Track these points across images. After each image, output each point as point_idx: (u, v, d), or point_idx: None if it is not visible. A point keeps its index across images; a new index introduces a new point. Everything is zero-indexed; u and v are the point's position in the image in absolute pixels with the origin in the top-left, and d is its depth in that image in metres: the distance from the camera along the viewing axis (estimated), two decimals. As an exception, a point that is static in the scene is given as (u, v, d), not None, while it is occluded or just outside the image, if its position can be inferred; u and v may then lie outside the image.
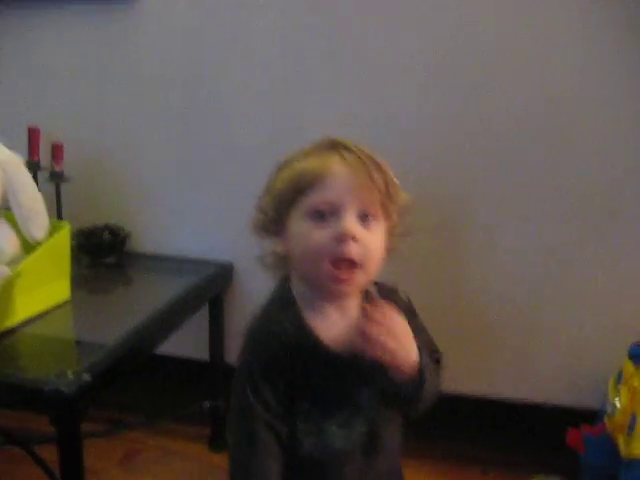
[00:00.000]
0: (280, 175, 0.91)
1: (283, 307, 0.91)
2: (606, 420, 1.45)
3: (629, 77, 1.48)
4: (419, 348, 0.86)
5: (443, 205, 1.63)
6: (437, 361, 0.95)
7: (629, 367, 1.44)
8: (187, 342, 1.78)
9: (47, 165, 1.70)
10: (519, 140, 1.56)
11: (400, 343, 0.84)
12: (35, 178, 1.65)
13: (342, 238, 0.83)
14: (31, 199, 1.37)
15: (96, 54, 1.77)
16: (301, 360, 0.88)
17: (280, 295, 0.93)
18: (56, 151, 1.68)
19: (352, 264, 0.84)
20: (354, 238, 0.83)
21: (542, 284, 1.63)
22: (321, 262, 0.84)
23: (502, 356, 1.69)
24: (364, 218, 0.85)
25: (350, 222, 0.83)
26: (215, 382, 1.77)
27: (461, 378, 1.67)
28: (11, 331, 1.27)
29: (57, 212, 1.69)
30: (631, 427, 1.34)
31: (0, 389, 1.13)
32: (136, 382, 1.71)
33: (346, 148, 0.87)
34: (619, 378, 1.49)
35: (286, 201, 0.87)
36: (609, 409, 1.44)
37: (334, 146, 0.88)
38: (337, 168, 0.85)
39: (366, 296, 0.93)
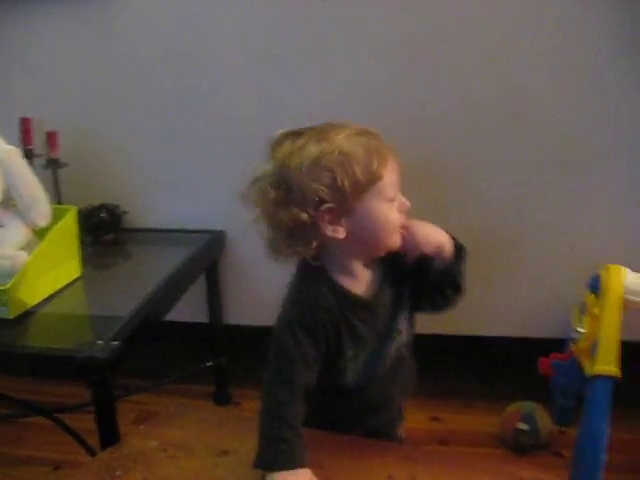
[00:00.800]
0: (347, 168, 0.96)
1: (316, 277, 1.03)
2: (572, 346, 1.62)
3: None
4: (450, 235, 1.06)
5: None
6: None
7: (590, 298, 1.62)
8: (187, 307, 1.89)
9: (43, 152, 1.79)
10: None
11: (432, 232, 1.04)
12: (31, 165, 1.75)
13: (405, 211, 1.01)
14: (30, 188, 1.46)
15: (83, 42, 1.86)
16: (340, 314, 1.02)
17: (307, 269, 1.04)
18: (51, 139, 1.78)
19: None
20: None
21: (513, 222, 1.80)
22: (395, 233, 1.01)
23: (483, 295, 1.83)
24: None
25: (404, 198, 1.02)
26: (216, 342, 1.91)
27: (440, 318, 1.84)
28: (35, 309, 1.39)
29: (56, 196, 1.79)
30: (593, 350, 1.51)
31: (35, 360, 1.27)
32: (143, 349, 1.84)
33: (382, 139, 1.01)
34: (582, 308, 1.66)
35: (361, 189, 0.97)
36: (574, 336, 1.62)
37: (375, 136, 1.00)
38: (390, 158, 0.99)
39: None
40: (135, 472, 1.06)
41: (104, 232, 1.83)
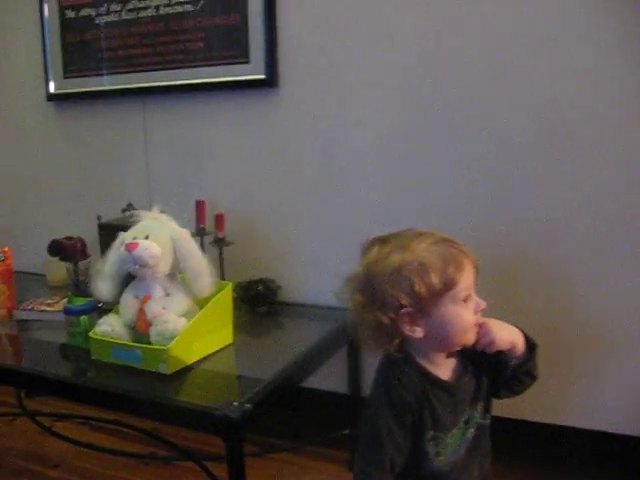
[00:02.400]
0: (424, 277, 1.08)
1: (402, 361, 1.14)
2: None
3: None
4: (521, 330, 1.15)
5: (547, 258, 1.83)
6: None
7: None
8: (330, 377, 2.05)
9: (212, 232, 2.06)
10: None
11: (506, 330, 1.13)
12: (202, 242, 2.03)
13: (480, 311, 1.12)
14: (197, 263, 1.66)
15: (245, 135, 2.15)
16: (423, 393, 1.13)
17: (395, 359, 1.15)
18: (219, 220, 2.05)
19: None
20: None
21: (618, 326, 1.79)
22: (470, 331, 1.11)
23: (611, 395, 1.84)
24: None
25: (480, 300, 1.12)
26: (353, 412, 2.03)
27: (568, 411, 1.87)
28: (190, 368, 1.60)
29: (220, 270, 2.04)
30: None
31: (183, 413, 1.47)
32: (287, 412, 2.01)
33: (460, 244, 1.12)
34: None
35: (437, 295, 1.08)
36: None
37: (454, 243, 1.12)
38: (467, 263, 1.10)
39: None
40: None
41: (260, 303, 2.03)
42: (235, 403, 1.40)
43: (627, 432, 1.82)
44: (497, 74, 1.81)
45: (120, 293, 1.68)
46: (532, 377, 1.19)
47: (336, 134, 2.02)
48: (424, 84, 1.90)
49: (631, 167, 1.71)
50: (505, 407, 1.27)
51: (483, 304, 1.12)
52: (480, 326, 1.12)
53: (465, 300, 1.09)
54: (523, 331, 1.16)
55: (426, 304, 1.08)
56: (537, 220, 1.83)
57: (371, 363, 2.02)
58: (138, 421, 2.24)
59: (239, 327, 1.83)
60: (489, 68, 1.82)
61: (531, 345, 1.16)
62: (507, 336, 1.13)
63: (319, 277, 2.10)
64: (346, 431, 2.01)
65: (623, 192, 1.73)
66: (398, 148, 1.96)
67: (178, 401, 1.51)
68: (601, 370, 1.84)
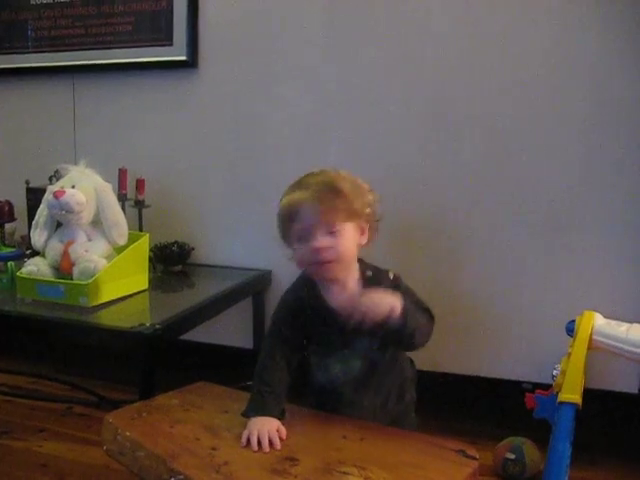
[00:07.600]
0: (279, 221, 1.34)
1: (303, 283, 1.39)
2: (553, 383, 1.84)
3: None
4: (403, 300, 1.24)
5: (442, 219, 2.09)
6: (426, 310, 1.33)
7: (570, 341, 1.84)
8: (235, 334, 2.29)
9: (132, 195, 2.25)
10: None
11: (381, 304, 1.22)
12: (123, 206, 2.20)
13: (313, 252, 1.27)
14: (114, 214, 1.87)
15: (167, 110, 2.36)
16: (312, 315, 1.36)
17: (301, 277, 1.41)
18: (139, 184, 2.24)
19: (323, 264, 1.27)
20: (321, 250, 1.26)
21: (517, 288, 2.05)
22: (309, 266, 1.32)
23: (485, 343, 2.10)
24: (332, 232, 1.27)
25: (316, 241, 1.25)
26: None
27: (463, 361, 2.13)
28: (108, 303, 1.79)
29: (139, 230, 2.22)
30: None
31: (105, 335, 1.67)
32: (194, 367, 2.19)
33: (308, 186, 1.30)
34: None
35: (284, 227, 1.33)
36: (554, 373, 1.83)
37: (299, 185, 1.32)
38: (303, 204, 1.26)
39: (363, 276, 1.37)
40: (156, 414, 1.38)
41: (173, 263, 2.23)
42: (147, 324, 1.61)
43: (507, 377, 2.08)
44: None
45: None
46: (407, 344, 1.32)
47: (251, 111, 2.24)
48: (341, 65, 2.12)
49: (504, 136, 1.98)
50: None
51: (314, 245, 1.25)
52: (361, 305, 1.22)
53: (300, 239, 1.28)
54: (404, 305, 1.24)
55: (283, 232, 1.34)
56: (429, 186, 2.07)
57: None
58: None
59: (154, 282, 2.03)
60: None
61: (406, 316, 1.24)
62: (383, 308, 1.22)
63: (230, 242, 2.33)
64: (249, 382, 2.20)
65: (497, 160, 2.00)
66: (311, 124, 2.18)
67: (98, 324, 1.69)
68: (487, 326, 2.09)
